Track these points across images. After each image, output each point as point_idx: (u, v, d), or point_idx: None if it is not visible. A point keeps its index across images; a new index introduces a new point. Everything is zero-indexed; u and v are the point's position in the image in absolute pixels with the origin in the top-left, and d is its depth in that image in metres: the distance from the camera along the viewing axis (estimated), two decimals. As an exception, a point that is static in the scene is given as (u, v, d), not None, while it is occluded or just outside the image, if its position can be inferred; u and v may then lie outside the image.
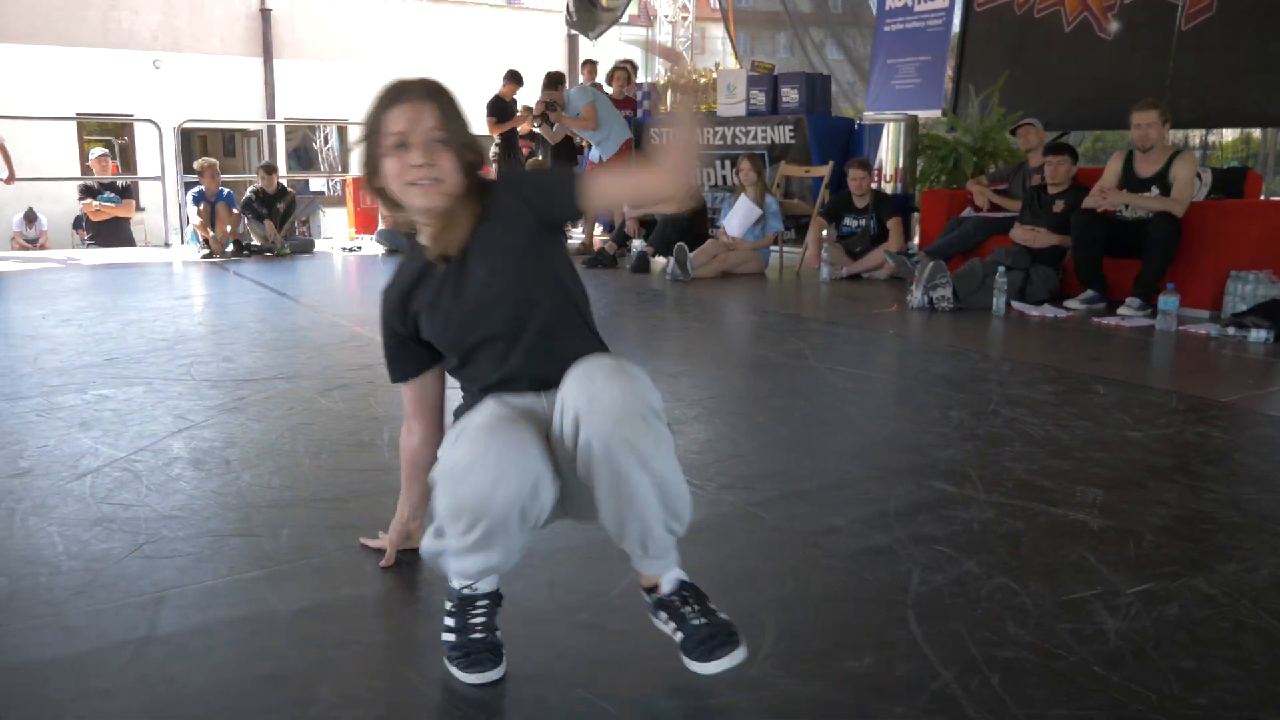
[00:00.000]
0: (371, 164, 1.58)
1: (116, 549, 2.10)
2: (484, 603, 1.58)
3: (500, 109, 9.63)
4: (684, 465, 2.62)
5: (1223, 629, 1.76)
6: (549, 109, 8.58)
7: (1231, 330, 4.69)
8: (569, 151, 9.08)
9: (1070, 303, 5.41)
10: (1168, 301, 4.87)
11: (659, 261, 7.54)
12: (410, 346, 1.74)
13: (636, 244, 7.71)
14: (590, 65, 9.51)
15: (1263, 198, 6.81)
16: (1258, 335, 4.58)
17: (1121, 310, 5.18)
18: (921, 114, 8.25)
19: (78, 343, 4.43)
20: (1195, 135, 9.49)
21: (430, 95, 1.55)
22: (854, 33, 11.81)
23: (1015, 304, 5.43)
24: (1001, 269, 5.35)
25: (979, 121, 7.45)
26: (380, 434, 2.97)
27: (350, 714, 1.48)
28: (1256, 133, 10.40)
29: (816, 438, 3.06)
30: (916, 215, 7.33)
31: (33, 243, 11.80)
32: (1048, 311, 5.32)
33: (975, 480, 2.53)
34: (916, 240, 7.17)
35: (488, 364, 1.62)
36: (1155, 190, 5.30)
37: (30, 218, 12.57)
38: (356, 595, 1.88)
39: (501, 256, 1.58)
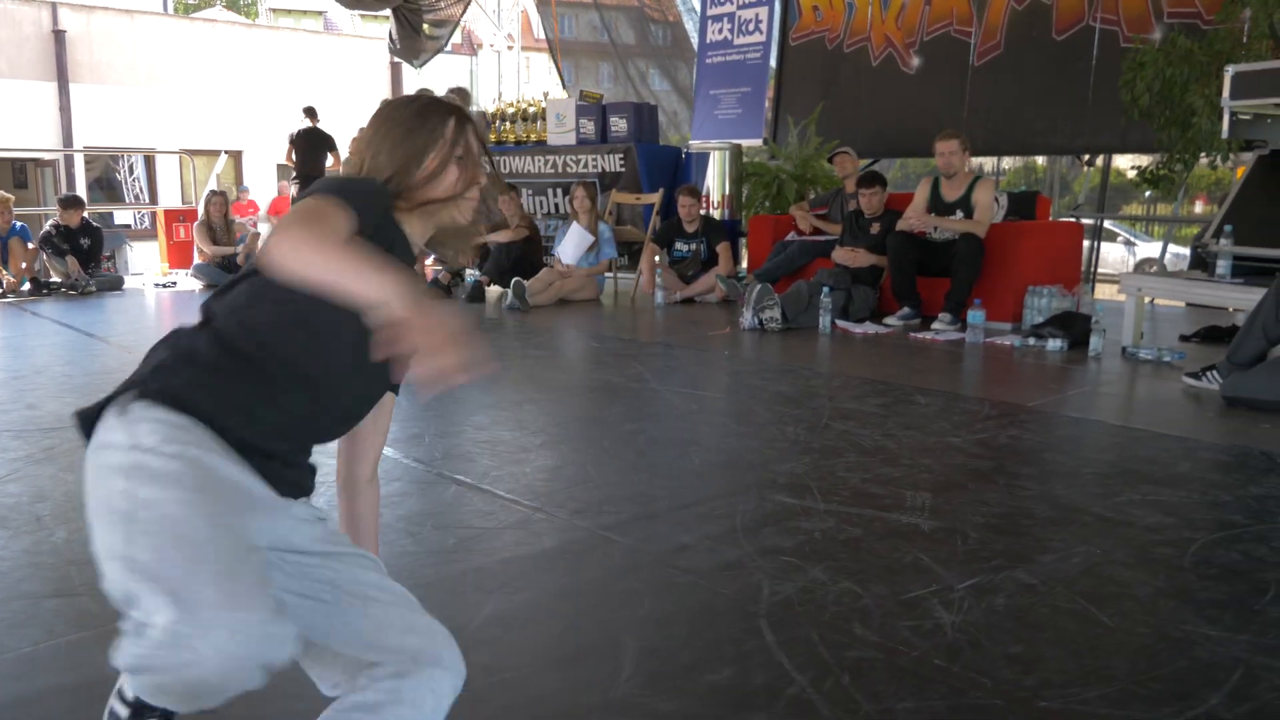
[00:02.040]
0: (420, 164, 1.39)
1: (-83, 619, 1.91)
2: None
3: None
4: (533, 492, 2.62)
5: (1044, 614, 1.89)
6: None
7: (1032, 340, 5.07)
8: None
9: (889, 319, 5.72)
10: (975, 316, 5.21)
11: (494, 290, 7.50)
12: None
13: (470, 273, 7.64)
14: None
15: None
16: (1054, 344, 4.97)
17: (935, 325, 5.51)
18: (744, 143, 8.56)
19: None
20: (989, 162, 10.21)
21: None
22: (680, 64, 12.14)
23: (839, 322, 5.69)
24: (826, 289, 5.60)
25: (798, 150, 7.79)
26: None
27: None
28: (1041, 160, 11.30)
29: (663, 459, 3.12)
30: (744, 240, 7.58)
31: None
32: (869, 328, 5.60)
33: (815, 491, 2.63)
34: (745, 264, 7.41)
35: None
36: (960, 213, 5.68)
37: None
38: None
39: None
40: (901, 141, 8.32)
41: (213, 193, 9.01)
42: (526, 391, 4.26)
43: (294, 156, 9.84)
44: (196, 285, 8.65)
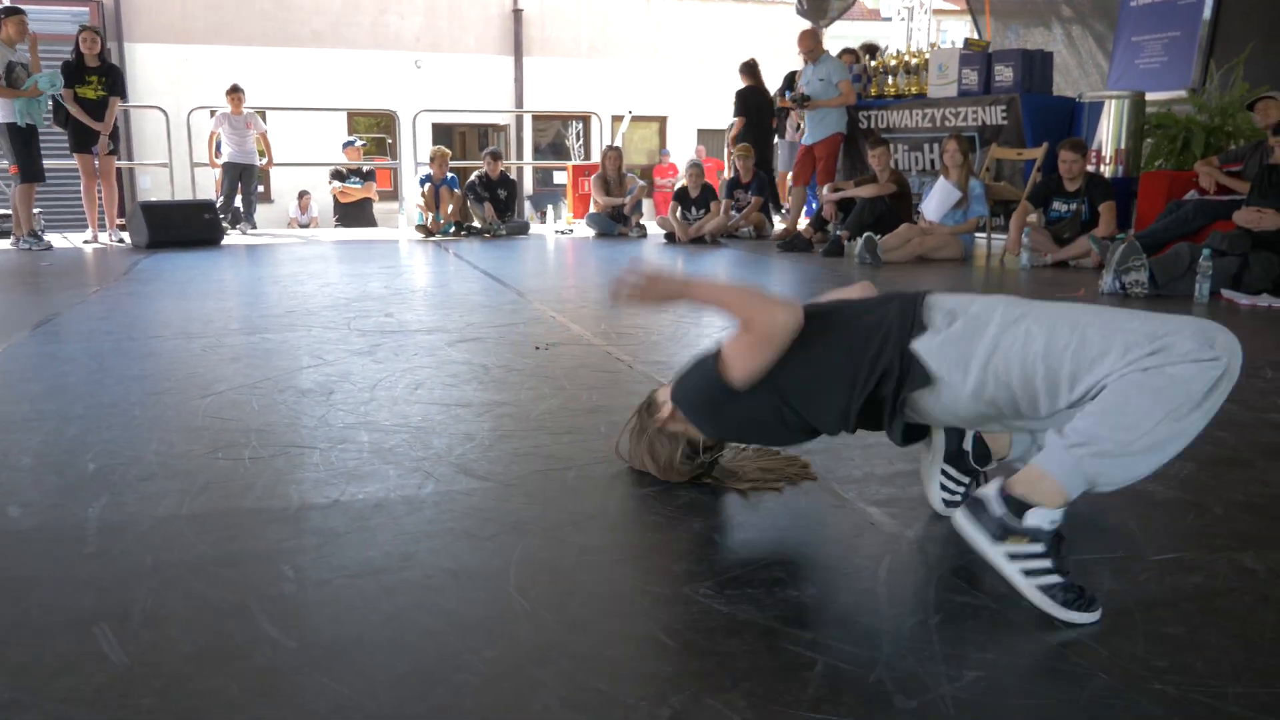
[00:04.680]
0: None
1: (196, 450, 2.35)
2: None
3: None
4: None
5: (1241, 601, 1.54)
6: (803, 101, 8.27)
7: None
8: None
9: (1294, 292, 4.79)
10: None
11: (854, 245, 7.34)
12: None
13: (833, 228, 7.56)
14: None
15: None
16: None
17: (1356, 301, 4.53)
18: (1164, 94, 7.54)
19: (272, 298, 4.93)
20: None
21: None
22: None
23: (1226, 292, 4.86)
24: (1206, 252, 4.81)
25: (1218, 98, 6.71)
26: (483, 374, 3.13)
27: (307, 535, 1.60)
28: None
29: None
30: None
31: (305, 227, 13.17)
32: (1262, 301, 4.73)
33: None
34: (1134, 227, 6.56)
35: None
36: None
37: (304, 205, 14.05)
38: (358, 496, 2.01)
39: None
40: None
41: (609, 147, 9.71)
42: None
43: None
44: (590, 233, 9.40)
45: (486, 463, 2.24)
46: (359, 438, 2.44)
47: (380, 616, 1.49)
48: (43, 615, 1.51)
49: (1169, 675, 1.31)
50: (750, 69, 9.44)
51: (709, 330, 4.02)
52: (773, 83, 9.69)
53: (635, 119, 15.99)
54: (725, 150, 10.01)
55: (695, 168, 8.83)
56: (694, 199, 8.66)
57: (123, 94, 8.15)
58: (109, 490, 2.06)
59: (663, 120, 19.17)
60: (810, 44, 8.42)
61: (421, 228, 9.10)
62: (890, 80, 8.67)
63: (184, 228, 7.72)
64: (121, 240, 8.07)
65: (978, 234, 7.18)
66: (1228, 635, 1.43)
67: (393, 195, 13.63)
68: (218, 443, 2.41)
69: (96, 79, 7.85)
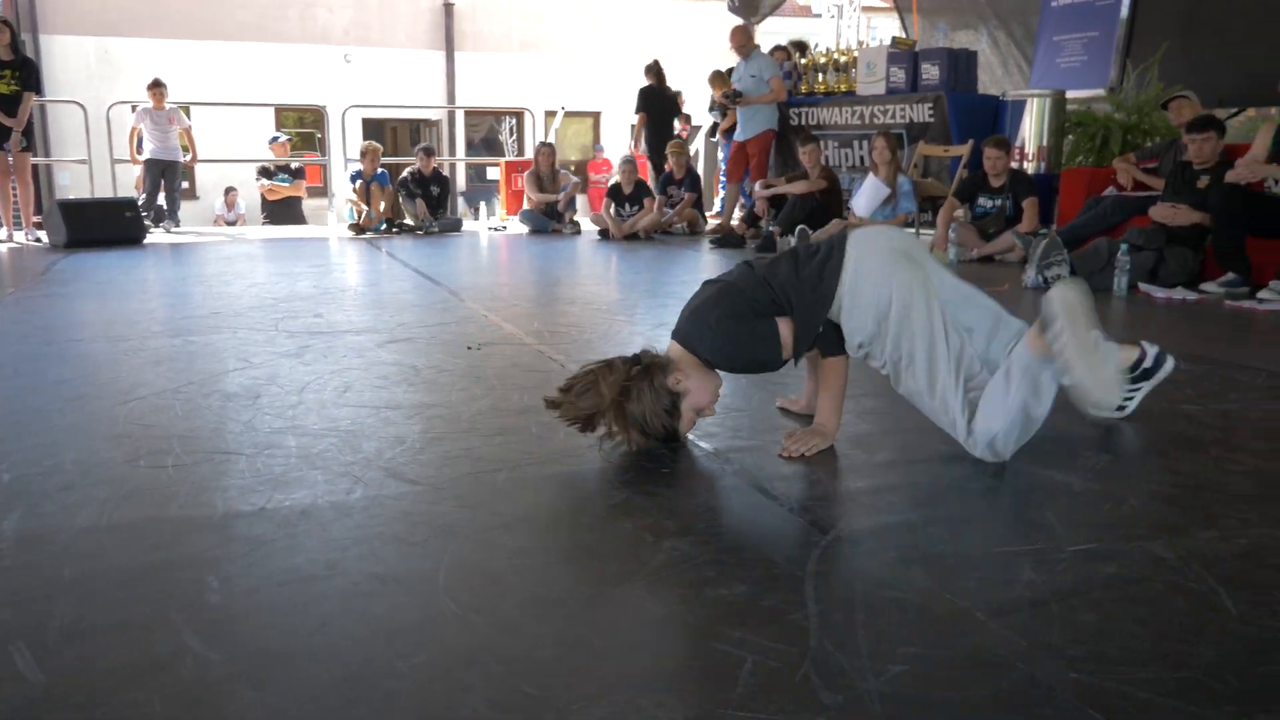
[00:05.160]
0: None
1: (118, 458, 2.29)
2: None
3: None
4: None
5: (1153, 589, 1.59)
6: (735, 98, 8.36)
7: (1388, 317, 4.19)
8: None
9: (1206, 286, 4.96)
10: (1316, 285, 4.39)
11: (786, 241, 7.42)
12: None
13: (766, 224, 7.63)
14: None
15: None
16: None
17: (1263, 294, 4.71)
18: (1084, 93, 7.75)
19: (197, 299, 4.83)
20: None
21: None
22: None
23: (1143, 286, 5.03)
24: (1124, 247, 4.97)
25: (1135, 97, 6.92)
26: (413, 376, 3.10)
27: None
28: None
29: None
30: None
31: (232, 224, 12.87)
32: (1177, 294, 4.90)
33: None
34: (1055, 222, 6.75)
35: None
36: (1312, 163, 4.78)
37: (230, 202, 13.73)
38: (285, 502, 1.98)
39: None
40: None
41: (542, 144, 9.67)
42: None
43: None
44: (524, 230, 9.36)
45: (417, 466, 2.22)
46: (286, 443, 2.40)
47: (309, 625, 1.48)
48: (-46, 634, 1.46)
49: (1084, 664, 1.36)
50: (654, 69, 9.79)
51: (640, 328, 4.04)
52: (688, 82, 9.91)
53: (569, 114, 15.93)
54: (638, 147, 10.33)
55: (629, 164, 8.84)
56: (628, 195, 8.67)
57: (38, 89, 7.90)
58: (25, 501, 2.00)
59: (597, 116, 19.13)
60: (741, 40, 8.50)
61: (353, 225, 8.97)
62: (820, 77, 8.78)
63: (104, 226, 7.51)
64: (38, 240, 7.83)
65: (906, 229, 7.31)
66: (1139, 622, 1.48)
67: (322, 192, 13.43)
68: (140, 450, 2.35)
69: (10, 73, 7.59)
